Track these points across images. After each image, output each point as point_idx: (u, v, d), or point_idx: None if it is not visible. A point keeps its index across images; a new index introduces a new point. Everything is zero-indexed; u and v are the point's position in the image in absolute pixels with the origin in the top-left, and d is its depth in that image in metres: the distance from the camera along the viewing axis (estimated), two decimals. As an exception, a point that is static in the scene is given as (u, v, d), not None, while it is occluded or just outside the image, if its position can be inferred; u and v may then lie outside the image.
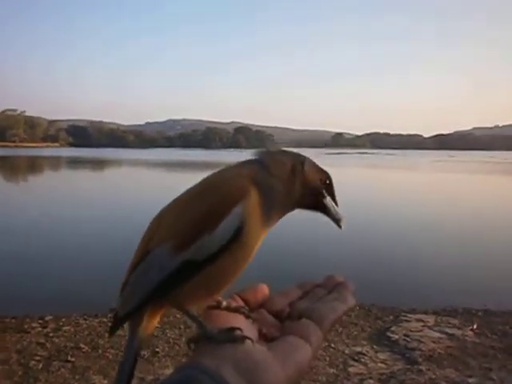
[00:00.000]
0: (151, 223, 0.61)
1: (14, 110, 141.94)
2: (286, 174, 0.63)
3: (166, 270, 0.56)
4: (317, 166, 0.66)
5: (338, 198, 0.67)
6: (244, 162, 0.64)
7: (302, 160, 0.64)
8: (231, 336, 0.51)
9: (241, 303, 0.61)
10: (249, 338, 0.51)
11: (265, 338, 0.55)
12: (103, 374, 3.46)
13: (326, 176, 0.66)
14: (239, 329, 0.52)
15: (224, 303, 0.60)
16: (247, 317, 0.58)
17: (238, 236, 0.56)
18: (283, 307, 0.61)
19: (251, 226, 0.57)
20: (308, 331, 0.53)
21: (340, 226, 0.66)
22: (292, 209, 0.65)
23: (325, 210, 0.66)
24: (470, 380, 3.41)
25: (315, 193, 0.65)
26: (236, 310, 0.59)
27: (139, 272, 0.58)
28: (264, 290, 0.64)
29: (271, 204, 0.60)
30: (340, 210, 0.66)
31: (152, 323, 0.60)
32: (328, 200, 0.66)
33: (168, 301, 0.58)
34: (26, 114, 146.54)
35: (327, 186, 0.66)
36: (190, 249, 0.56)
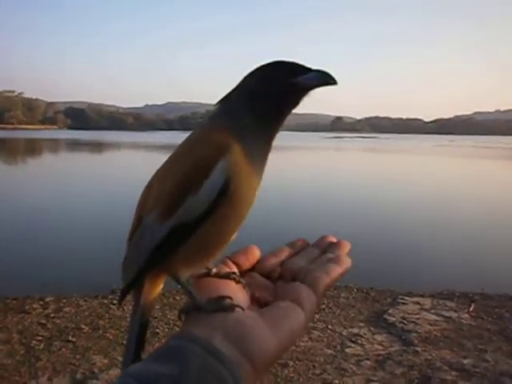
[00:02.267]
0: (143, 191, 0.60)
1: (12, 92, 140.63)
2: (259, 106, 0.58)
3: (156, 238, 0.55)
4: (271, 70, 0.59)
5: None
6: (219, 116, 0.60)
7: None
8: (220, 305, 0.50)
9: (232, 267, 0.60)
10: (238, 306, 0.50)
11: (258, 303, 0.55)
12: (104, 353, 3.51)
13: (280, 68, 0.59)
14: (229, 297, 0.51)
15: (214, 270, 0.59)
16: (238, 282, 0.57)
17: (225, 193, 0.53)
18: (275, 267, 0.60)
19: (239, 180, 0.54)
20: (301, 295, 0.52)
21: (334, 81, 0.58)
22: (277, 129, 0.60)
23: (306, 87, 0.59)
24: (465, 361, 3.47)
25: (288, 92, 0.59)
26: (226, 277, 0.57)
27: (134, 242, 0.58)
28: (255, 251, 0.62)
29: (254, 150, 0.57)
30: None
31: (153, 292, 0.60)
32: (300, 79, 0.58)
33: (162, 268, 0.57)
34: (24, 95, 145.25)
35: (288, 72, 0.59)
36: (177, 213, 0.54)
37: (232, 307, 0.50)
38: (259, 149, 0.58)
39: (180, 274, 0.57)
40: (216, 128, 0.57)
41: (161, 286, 0.61)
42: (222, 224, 0.55)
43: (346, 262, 0.57)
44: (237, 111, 0.58)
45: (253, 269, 0.61)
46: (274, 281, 0.58)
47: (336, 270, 0.56)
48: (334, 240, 0.63)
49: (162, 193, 0.56)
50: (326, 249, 0.62)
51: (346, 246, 0.61)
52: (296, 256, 0.62)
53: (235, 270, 0.60)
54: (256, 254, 0.62)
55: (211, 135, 0.57)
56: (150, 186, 0.60)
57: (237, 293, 0.54)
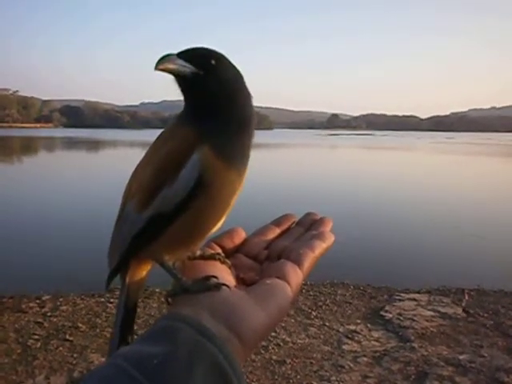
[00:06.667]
0: (130, 177, 0.61)
1: (7, 90, 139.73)
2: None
3: (136, 226, 0.56)
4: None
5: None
6: (183, 116, 0.59)
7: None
8: (206, 285, 0.50)
9: (217, 249, 0.60)
10: (224, 285, 0.50)
11: (244, 283, 0.55)
12: (101, 352, 3.51)
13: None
14: (214, 276, 0.52)
15: (198, 252, 0.59)
16: (223, 263, 0.57)
17: (201, 185, 0.53)
18: (261, 249, 0.60)
19: (214, 173, 0.54)
20: (287, 272, 0.52)
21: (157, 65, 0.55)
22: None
23: None
24: (461, 357, 3.49)
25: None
26: (211, 258, 0.58)
27: (117, 229, 0.59)
28: (240, 233, 0.63)
29: (226, 145, 0.55)
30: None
31: (139, 275, 0.60)
32: None
33: (145, 254, 0.58)
34: (19, 93, 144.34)
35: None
36: (154, 202, 0.54)
37: (218, 286, 0.50)
38: (231, 144, 0.56)
39: (164, 259, 0.57)
40: (184, 125, 0.57)
41: (147, 270, 0.61)
42: (199, 215, 0.55)
43: (330, 238, 0.59)
44: (192, 112, 0.58)
45: (238, 250, 0.62)
46: (261, 262, 0.59)
47: (320, 246, 0.57)
48: (317, 217, 0.64)
49: (142, 181, 0.57)
50: (309, 226, 0.63)
51: (329, 223, 0.63)
52: (281, 238, 0.63)
53: (219, 251, 0.60)
54: (241, 235, 0.63)
55: (182, 131, 0.56)
56: (135, 172, 0.60)
57: (222, 273, 0.54)
